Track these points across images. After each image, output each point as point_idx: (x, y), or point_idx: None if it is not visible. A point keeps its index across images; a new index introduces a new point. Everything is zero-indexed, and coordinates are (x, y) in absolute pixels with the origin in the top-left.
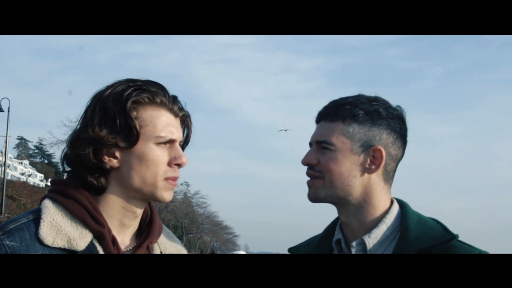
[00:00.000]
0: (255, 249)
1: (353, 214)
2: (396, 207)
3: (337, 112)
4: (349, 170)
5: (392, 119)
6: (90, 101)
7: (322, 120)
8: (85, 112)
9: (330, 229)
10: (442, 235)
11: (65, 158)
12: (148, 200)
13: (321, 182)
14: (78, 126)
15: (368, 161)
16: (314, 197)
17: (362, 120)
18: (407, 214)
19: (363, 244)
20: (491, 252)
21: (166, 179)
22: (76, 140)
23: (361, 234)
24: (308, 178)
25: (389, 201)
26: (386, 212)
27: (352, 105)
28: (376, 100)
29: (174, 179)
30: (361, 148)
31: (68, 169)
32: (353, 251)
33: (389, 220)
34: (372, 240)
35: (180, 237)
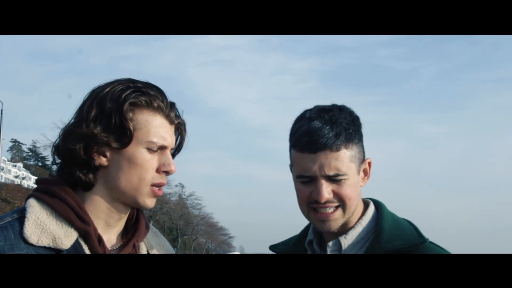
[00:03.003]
0: (251, 250)
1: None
2: (372, 209)
3: (338, 141)
4: (358, 190)
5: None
6: (88, 96)
7: (321, 151)
8: (82, 106)
9: (306, 230)
10: (413, 238)
11: (56, 149)
12: (131, 206)
13: (339, 212)
14: (73, 120)
15: (363, 174)
16: (335, 228)
17: (356, 139)
18: (382, 214)
19: (338, 244)
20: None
21: (153, 185)
22: (69, 134)
23: (336, 235)
24: (319, 212)
25: (362, 202)
26: (363, 214)
27: (346, 128)
28: (350, 112)
29: (160, 185)
30: (359, 166)
31: (58, 161)
32: (329, 251)
33: (365, 222)
34: (347, 241)
35: (175, 239)
